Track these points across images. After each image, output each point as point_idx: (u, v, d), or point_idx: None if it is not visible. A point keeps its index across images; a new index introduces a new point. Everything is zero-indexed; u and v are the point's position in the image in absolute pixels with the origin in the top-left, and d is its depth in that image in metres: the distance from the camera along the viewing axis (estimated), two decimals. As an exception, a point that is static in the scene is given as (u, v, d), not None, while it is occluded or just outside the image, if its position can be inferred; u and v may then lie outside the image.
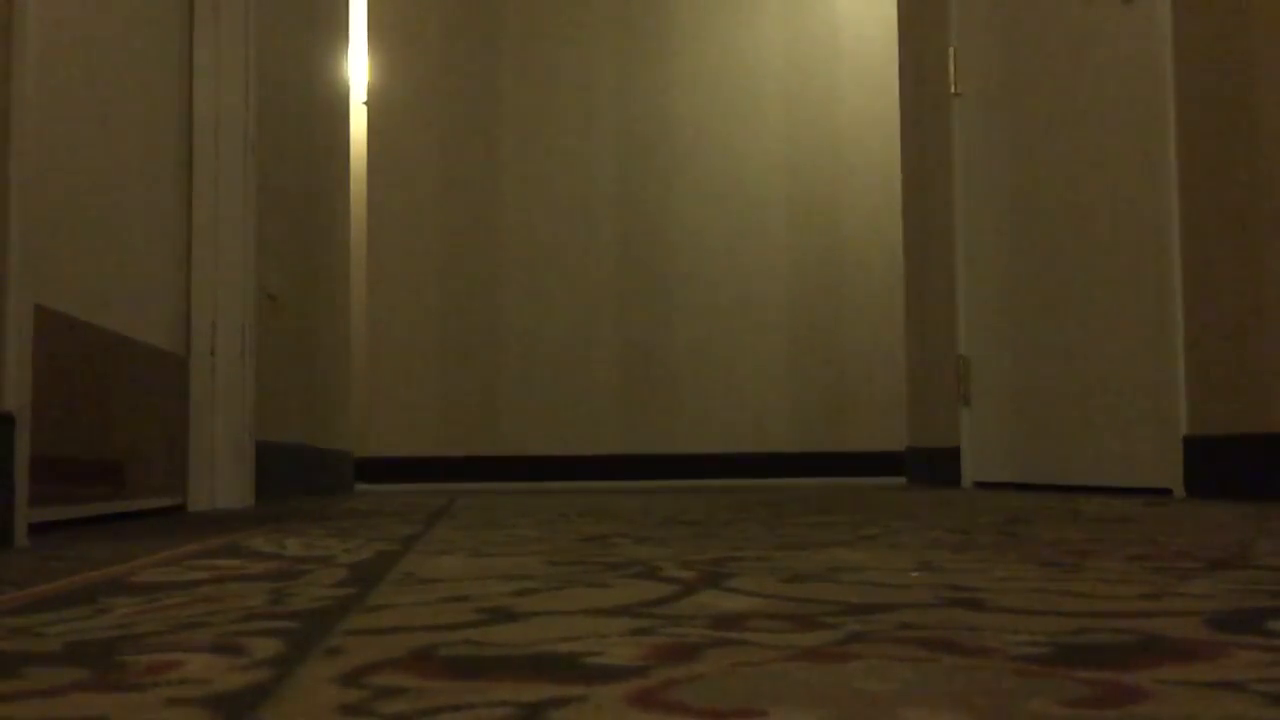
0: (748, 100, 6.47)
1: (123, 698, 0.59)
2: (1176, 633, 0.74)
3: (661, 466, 6.26)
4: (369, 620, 0.84)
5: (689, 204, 6.42)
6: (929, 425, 4.82)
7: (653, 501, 3.05)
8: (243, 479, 3.05)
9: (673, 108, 6.45)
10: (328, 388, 4.53)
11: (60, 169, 2.18)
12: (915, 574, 1.13)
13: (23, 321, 1.73)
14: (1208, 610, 0.85)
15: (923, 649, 0.69)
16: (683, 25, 6.49)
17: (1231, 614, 0.83)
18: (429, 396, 6.30)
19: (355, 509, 2.81)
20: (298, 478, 3.84)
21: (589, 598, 0.95)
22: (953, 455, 4.42)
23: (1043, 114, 3.89)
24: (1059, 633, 0.75)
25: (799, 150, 6.46)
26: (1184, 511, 2.28)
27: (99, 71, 2.42)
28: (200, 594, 1.02)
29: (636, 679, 0.60)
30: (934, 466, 4.68)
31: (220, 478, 3.00)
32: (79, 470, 2.22)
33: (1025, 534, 1.66)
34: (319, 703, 0.56)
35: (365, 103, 6.36)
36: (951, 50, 4.51)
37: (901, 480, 5.28)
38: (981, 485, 4.24)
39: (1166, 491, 3.15)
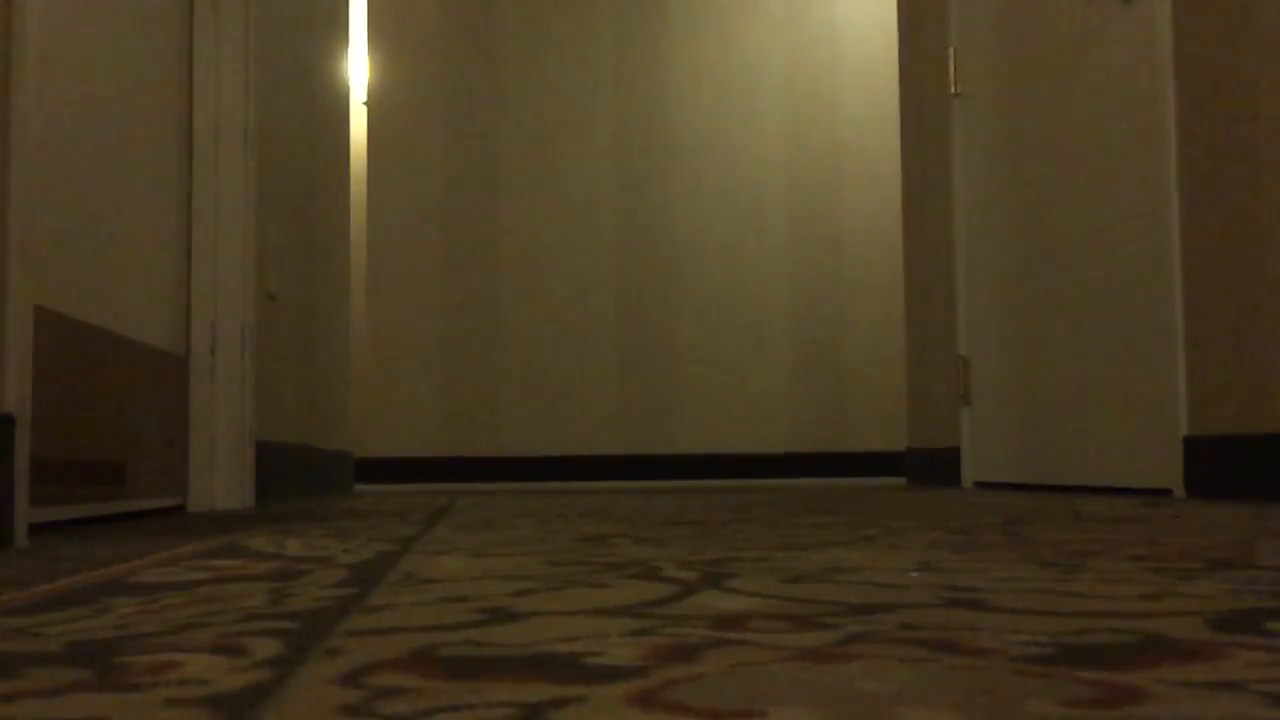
0: (748, 100, 6.47)
1: (123, 698, 0.58)
2: (1177, 633, 0.74)
3: (661, 467, 6.26)
4: (369, 621, 0.84)
5: (689, 204, 6.42)
6: (929, 425, 4.82)
7: (652, 502, 3.05)
8: (243, 479, 3.05)
9: (673, 108, 6.45)
10: (328, 388, 4.53)
11: (60, 169, 2.18)
12: (915, 574, 1.13)
13: (23, 321, 1.73)
14: (1208, 610, 0.84)
15: (923, 649, 0.69)
16: (683, 26, 6.49)
17: (1231, 614, 0.83)
18: (429, 397, 6.30)
19: (355, 509, 2.81)
20: (298, 478, 3.84)
21: (589, 598, 0.95)
22: (953, 455, 4.42)
23: (1043, 114, 3.89)
24: (1059, 633, 0.75)
25: (799, 150, 6.46)
26: (1184, 512, 2.28)
27: (99, 72, 2.42)
28: (200, 594, 1.02)
29: (636, 679, 0.60)
30: (934, 466, 4.68)
31: (220, 478, 3.00)
32: (79, 470, 2.22)
33: (1025, 534, 1.66)
34: (319, 703, 0.56)
35: (365, 103, 6.36)
36: (951, 50, 4.51)
37: (901, 480, 5.28)
38: (981, 485, 4.24)
39: (1166, 492, 3.15)
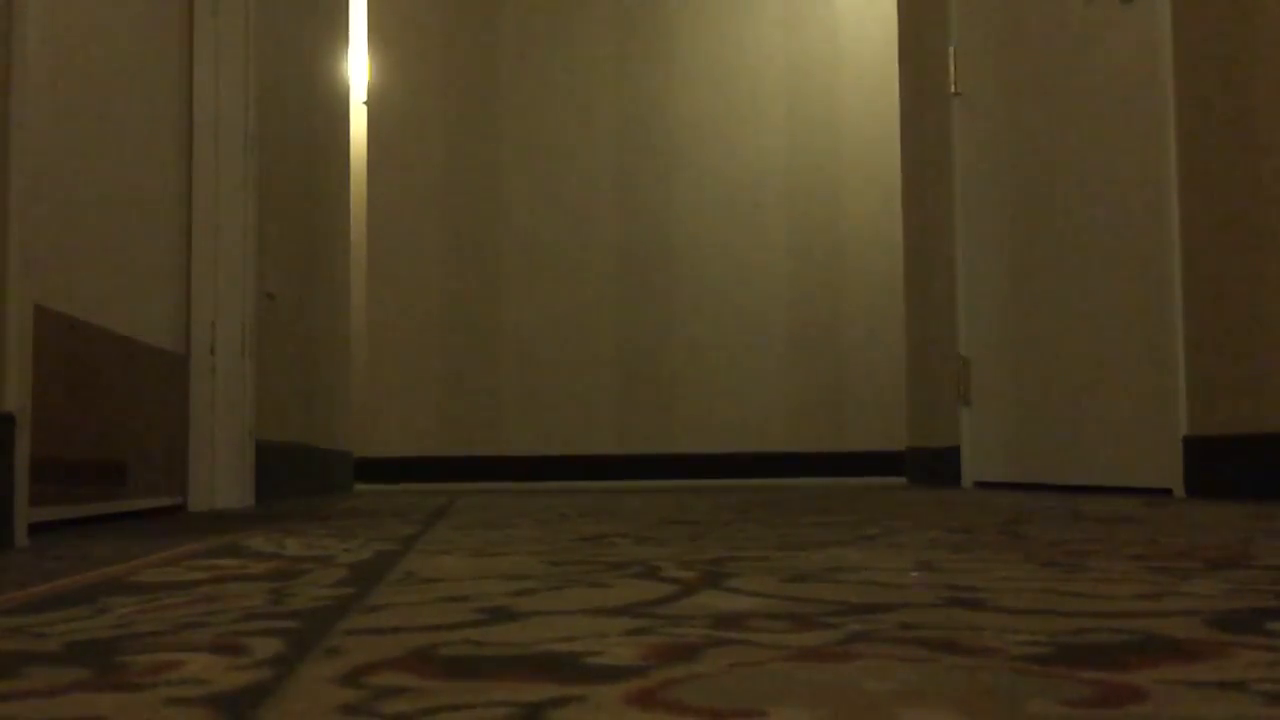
0: (748, 100, 6.47)
1: (123, 697, 0.59)
2: (1177, 632, 0.74)
3: (661, 466, 6.26)
4: (369, 620, 0.84)
5: (689, 203, 6.42)
6: (929, 425, 4.82)
7: (652, 501, 3.05)
8: (243, 479, 3.05)
9: (672, 107, 6.45)
10: (328, 388, 4.53)
11: (60, 169, 2.18)
12: (915, 574, 1.13)
13: (23, 321, 1.73)
14: (1208, 610, 0.85)
15: (923, 649, 0.69)
16: (682, 25, 6.49)
17: (1231, 614, 0.83)
18: (429, 396, 6.30)
19: (355, 509, 2.81)
20: (298, 477, 3.84)
21: (589, 598, 0.95)
22: (953, 455, 4.42)
23: (1043, 114, 3.89)
24: (1059, 632, 0.75)
25: (799, 150, 6.46)
26: (1184, 511, 2.28)
27: (99, 72, 2.42)
28: (200, 594, 1.02)
29: (636, 679, 0.60)
30: (934, 466, 4.68)
31: (220, 477, 3.00)
32: (79, 470, 2.22)
33: (1025, 534, 1.66)
34: (319, 702, 0.56)
35: (365, 103, 6.36)
36: (951, 50, 4.51)
37: (901, 480, 5.28)
38: (981, 485, 4.24)
39: (1166, 491, 3.15)
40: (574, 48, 6.46)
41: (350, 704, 0.55)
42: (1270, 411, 2.80)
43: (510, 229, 6.38)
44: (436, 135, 6.40)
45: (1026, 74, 4.01)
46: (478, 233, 6.37)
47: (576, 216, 6.40)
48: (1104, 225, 3.53)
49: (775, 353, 6.39)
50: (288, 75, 3.81)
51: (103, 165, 2.44)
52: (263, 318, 3.29)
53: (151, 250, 2.79)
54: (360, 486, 5.39)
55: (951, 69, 4.50)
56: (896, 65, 5.34)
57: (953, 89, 4.48)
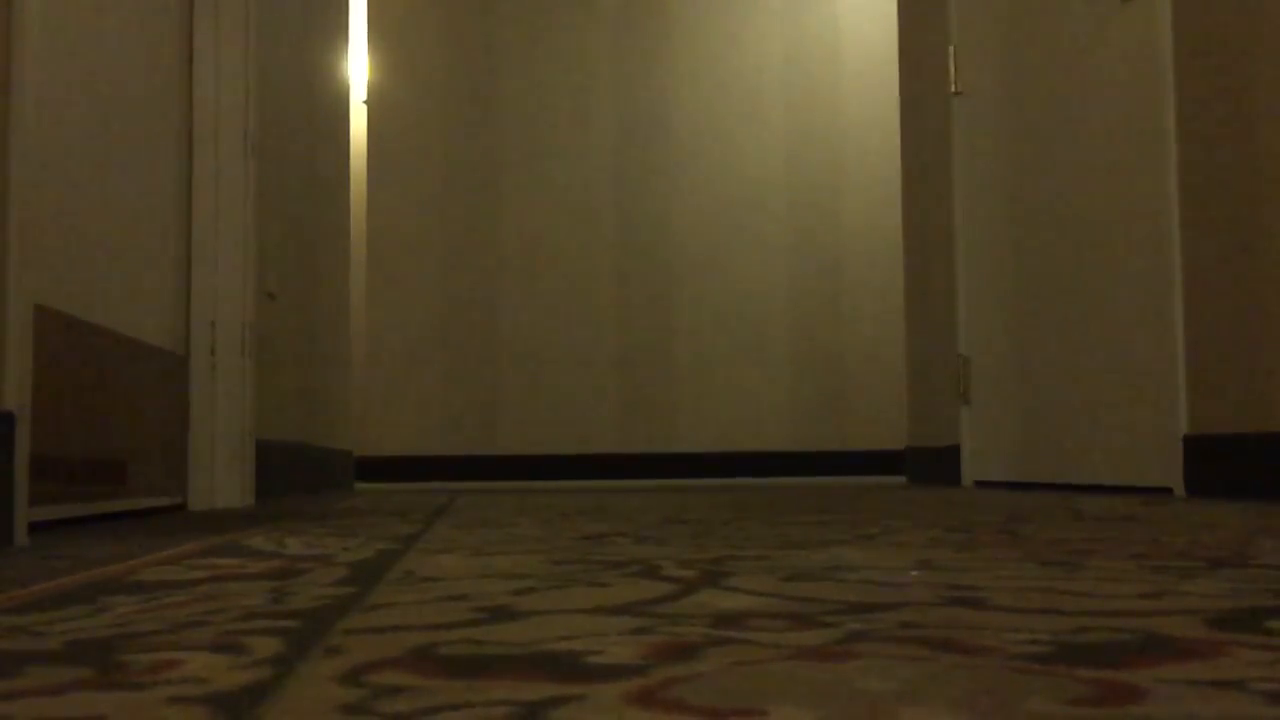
0: (748, 100, 6.47)
1: (123, 696, 0.59)
2: (1176, 631, 0.74)
3: (661, 465, 6.26)
4: (369, 619, 0.84)
5: (689, 203, 6.42)
6: (929, 424, 4.82)
7: (652, 500, 3.05)
8: (243, 478, 3.05)
9: (672, 107, 6.45)
10: (328, 387, 4.53)
11: (60, 169, 2.18)
12: (915, 573, 1.13)
13: (23, 321, 1.73)
14: (1208, 609, 0.85)
15: (923, 648, 0.69)
16: (682, 25, 6.49)
17: (1231, 613, 0.83)
18: (429, 396, 6.30)
19: (355, 508, 2.81)
20: (298, 477, 3.84)
21: (589, 597, 0.95)
22: (952, 454, 4.42)
23: (1043, 114, 3.89)
24: (1059, 631, 0.75)
25: (799, 149, 6.46)
26: (1184, 511, 2.28)
27: (99, 71, 2.42)
28: (200, 593, 1.02)
29: (636, 678, 0.60)
30: (934, 466, 4.68)
31: (220, 477, 3.00)
32: (79, 469, 2.22)
33: (1025, 533, 1.66)
34: (319, 702, 0.56)
35: (365, 102, 6.36)
36: (951, 50, 4.51)
37: (901, 479, 5.28)
38: (981, 484, 4.24)
39: (1167, 491, 3.15)
40: (573, 47, 6.46)
41: (350, 703, 0.55)
42: (1270, 411, 2.80)
43: (510, 228, 6.38)
44: (436, 135, 6.40)
45: (1026, 74, 4.01)
46: (478, 232, 6.37)
47: (576, 215, 6.40)
48: (1104, 224, 3.53)
49: (775, 352, 6.39)
50: (288, 75, 3.81)
51: (103, 165, 2.43)
52: (263, 318, 3.29)
53: (151, 250, 2.79)
54: (360, 486, 5.39)
55: (951, 69, 4.50)
56: (896, 65, 5.34)
57: (953, 89, 4.48)
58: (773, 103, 6.47)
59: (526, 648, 0.70)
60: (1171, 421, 3.16)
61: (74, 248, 2.26)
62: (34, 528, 1.77)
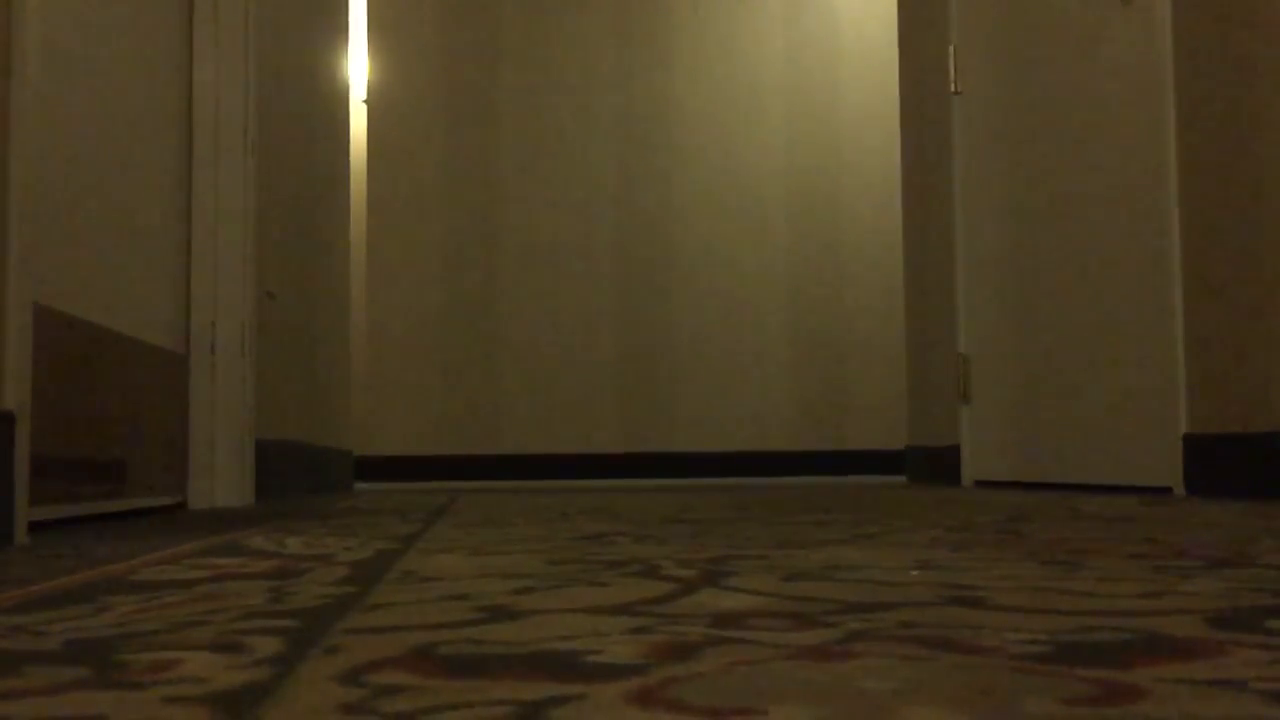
0: (748, 99, 6.47)
1: (122, 696, 0.59)
2: (1176, 631, 0.74)
3: (661, 465, 6.26)
4: (369, 619, 0.84)
5: (689, 202, 6.42)
6: (929, 424, 4.82)
7: (652, 500, 3.05)
8: (243, 477, 3.05)
9: (672, 106, 6.45)
10: (328, 387, 4.53)
11: (60, 168, 2.18)
12: (915, 572, 1.13)
13: (22, 320, 1.73)
14: (1208, 609, 0.85)
15: (922, 648, 0.69)
16: (683, 25, 6.49)
17: (1231, 613, 0.83)
18: (429, 395, 6.30)
19: (355, 507, 2.81)
20: (298, 476, 3.84)
21: (589, 596, 0.95)
22: (952, 454, 4.42)
23: (1043, 113, 3.89)
24: (1059, 631, 0.75)
25: (799, 149, 6.46)
26: (1184, 510, 2.28)
27: (99, 71, 2.42)
28: (200, 592, 1.02)
29: (636, 677, 0.60)
30: (934, 465, 4.68)
31: (220, 476, 3.00)
32: (79, 469, 2.22)
33: (1025, 532, 1.66)
34: (319, 701, 0.56)
35: (365, 101, 6.36)
36: (951, 50, 4.51)
37: (901, 479, 5.28)
38: (981, 484, 4.24)
39: (1166, 490, 3.15)
40: (573, 46, 6.46)
41: (350, 703, 0.55)
42: (1270, 411, 2.80)
43: (510, 228, 6.38)
44: (436, 134, 6.40)
45: (1027, 73, 4.01)
46: (478, 232, 6.37)
47: (576, 215, 6.40)
48: (1104, 224, 3.53)
49: (775, 351, 6.39)
50: (288, 75, 3.81)
51: (103, 164, 2.43)
52: (263, 317, 3.29)
53: (151, 250, 2.79)
54: (360, 485, 5.39)
55: (951, 68, 4.50)
56: (896, 65, 5.34)
57: (953, 88, 4.48)
58: (773, 102, 6.47)
59: (526, 647, 0.70)
60: (1171, 421, 3.16)
61: (74, 248, 2.26)
62: (34, 527, 1.77)
